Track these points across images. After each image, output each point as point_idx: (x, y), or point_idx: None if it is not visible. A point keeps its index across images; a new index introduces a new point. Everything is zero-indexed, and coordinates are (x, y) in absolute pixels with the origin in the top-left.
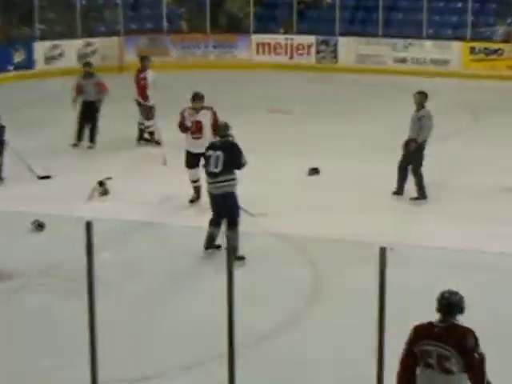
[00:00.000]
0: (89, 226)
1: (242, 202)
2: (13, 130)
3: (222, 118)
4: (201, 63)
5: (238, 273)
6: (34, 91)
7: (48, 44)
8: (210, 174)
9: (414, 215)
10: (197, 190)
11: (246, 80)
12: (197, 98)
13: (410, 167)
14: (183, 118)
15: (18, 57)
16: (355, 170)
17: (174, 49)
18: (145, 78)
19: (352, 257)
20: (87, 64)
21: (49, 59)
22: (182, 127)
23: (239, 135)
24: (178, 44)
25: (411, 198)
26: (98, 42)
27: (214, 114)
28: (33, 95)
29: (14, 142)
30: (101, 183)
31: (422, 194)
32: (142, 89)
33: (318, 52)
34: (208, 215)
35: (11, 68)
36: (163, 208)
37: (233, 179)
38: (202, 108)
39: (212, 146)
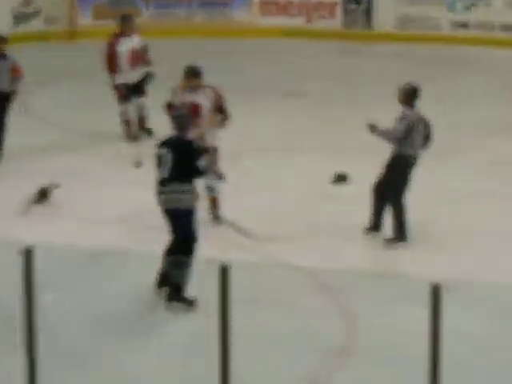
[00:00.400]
0: (28, 254)
1: (240, 218)
2: None
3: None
4: (182, 28)
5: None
6: None
7: None
8: (158, 181)
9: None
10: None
11: (246, 51)
12: (192, 74)
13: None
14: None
15: None
16: None
17: (146, 8)
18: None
19: (392, 296)
20: (2, 40)
21: None
22: (171, 109)
23: (240, 129)
24: (150, 2)
25: (385, 239)
26: None
27: (217, 95)
28: None
29: None
30: (43, 192)
31: (399, 233)
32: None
33: (345, 13)
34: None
35: None
36: (129, 228)
37: (185, 191)
38: (200, 87)
39: (164, 143)
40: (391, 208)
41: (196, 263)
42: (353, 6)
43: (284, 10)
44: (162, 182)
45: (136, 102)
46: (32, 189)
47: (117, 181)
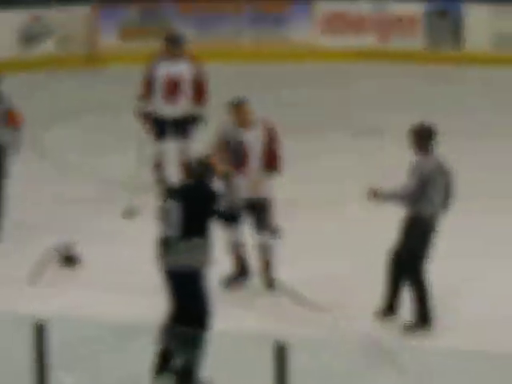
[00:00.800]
0: (40, 329)
1: (298, 284)
2: None
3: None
4: (227, 50)
5: None
6: None
7: None
8: (161, 241)
9: None
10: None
11: (306, 78)
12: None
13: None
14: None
15: None
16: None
17: (182, 25)
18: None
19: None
20: None
21: None
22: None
23: (298, 176)
24: (187, 17)
25: (404, 325)
26: (53, 14)
27: (270, 135)
28: None
29: None
30: (66, 254)
31: (422, 317)
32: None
33: (428, 30)
34: None
35: None
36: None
37: (196, 247)
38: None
39: (173, 193)
40: (410, 284)
41: (211, 339)
42: (438, 22)
43: (352, 26)
44: (167, 241)
45: (177, 145)
46: (42, 249)
47: (143, 238)
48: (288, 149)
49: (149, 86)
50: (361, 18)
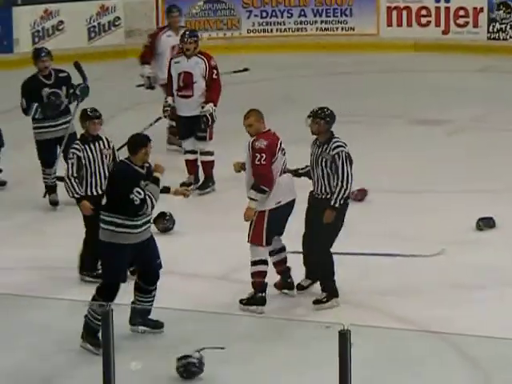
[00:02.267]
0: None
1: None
2: None
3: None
4: (292, 42)
5: None
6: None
7: (36, 9)
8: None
9: None
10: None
11: (369, 69)
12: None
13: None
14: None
15: None
16: None
17: (246, 17)
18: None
19: None
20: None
21: (38, 37)
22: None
23: (362, 166)
24: (252, 8)
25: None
26: (119, 3)
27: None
28: (4, 101)
29: None
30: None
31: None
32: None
33: (491, 22)
34: None
35: None
36: None
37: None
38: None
39: None
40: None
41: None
42: (502, 14)
43: (416, 18)
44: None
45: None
46: None
47: None
48: (350, 137)
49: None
50: (424, 8)
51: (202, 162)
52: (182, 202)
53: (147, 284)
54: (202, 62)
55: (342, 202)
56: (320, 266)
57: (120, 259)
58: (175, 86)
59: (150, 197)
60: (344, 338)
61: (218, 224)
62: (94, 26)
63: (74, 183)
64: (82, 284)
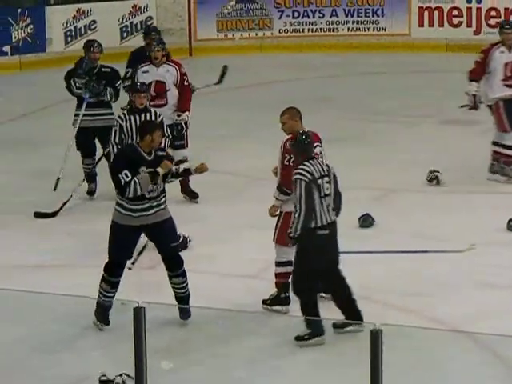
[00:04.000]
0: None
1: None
2: None
3: (366, 138)
4: (324, 41)
5: None
6: (42, 92)
7: (69, 9)
8: None
9: None
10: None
11: (400, 70)
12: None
13: None
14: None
15: (19, 32)
16: None
17: (278, 17)
18: None
19: None
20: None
21: (71, 36)
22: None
23: (395, 163)
24: (284, 8)
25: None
26: (151, 2)
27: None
28: (35, 102)
29: None
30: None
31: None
32: None
33: None
34: None
35: (6, 50)
36: None
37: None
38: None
39: None
40: None
41: None
42: None
43: (448, 18)
44: None
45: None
46: None
47: None
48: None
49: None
50: (455, 9)
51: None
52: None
53: (169, 270)
54: (174, 70)
55: (298, 232)
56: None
57: (122, 239)
58: None
59: (135, 183)
60: (375, 337)
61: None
62: (126, 26)
63: (113, 149)
64: None
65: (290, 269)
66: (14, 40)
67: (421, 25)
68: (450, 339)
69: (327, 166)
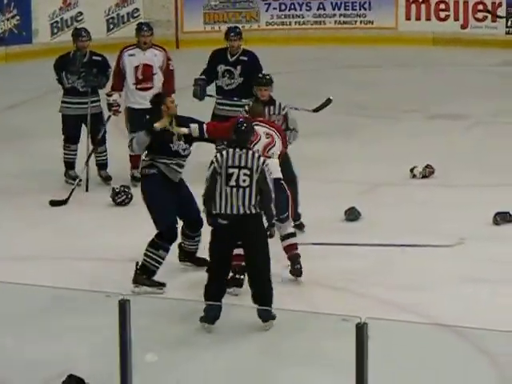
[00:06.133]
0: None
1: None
2: None
3: (352, 132)
4: (310, 34)
5: None
6: (26, 83)
7: (55, 0)
8: None
9: None
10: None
11: (387, 63)
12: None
13: None
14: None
15: (5, 23)
16: None
17: (264, 10)
18: None
19: None
20: None
21: (57, 28)
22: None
23: (378, 156)
24: (268, 1)
25: None
26: None
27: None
28: (21, 93)
29: None
30: None
31: None
32: None
33: (510, 17)
34: None
35: None
36: None
37: None
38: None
39: None
40: None
41: None
42: None
43: (435, 11)
44: None
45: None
46: None
47: None
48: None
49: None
50: (442, 2)
51: None
52: None
53: (190, 230)
54: (161, 55)
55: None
56: None
57: (164, 202)
58: (132, 80)
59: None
60: (361, 331)
61: None
62: (113, 18)
63: None
64: None
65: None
66: None
67: (408, 18)
68: (436, 333)
69: (257, 160)
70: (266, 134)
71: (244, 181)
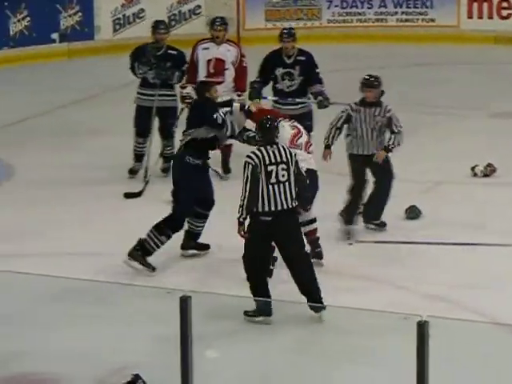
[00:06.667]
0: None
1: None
2: None
3: (413, 130)
4: (371, 32)
5: None
6: (90, 80)
7: None
8: None
9: None
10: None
11: (449, 61)
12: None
13: None
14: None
15: (67, 20)
16: None
17: (326, 7)
18: None
19: None
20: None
21: (119, 24)
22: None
23: (435, 154)
24: None
25: None
26: None
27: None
28: (83, 90)
29: None
30: None
31: None
32: None
33: None
34: None
35: (55, 37)
36: None
37: None
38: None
39: None
40: None
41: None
42: None
43: (496, 10)
44: None
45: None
46: None
47: None
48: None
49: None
50: (505, 2)
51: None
52: None
53: (203, 209)
54: (234, 50)
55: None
56: None
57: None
58: (204, 73)
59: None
60: (422, 329)
61: None
62: (175, 14)
63: (332, 133)
64: None
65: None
66: (62, 27)
67: (470, 16)
68: (497, 332)
69: (290, 153)
70: (292, 126)
71: (283, 175)
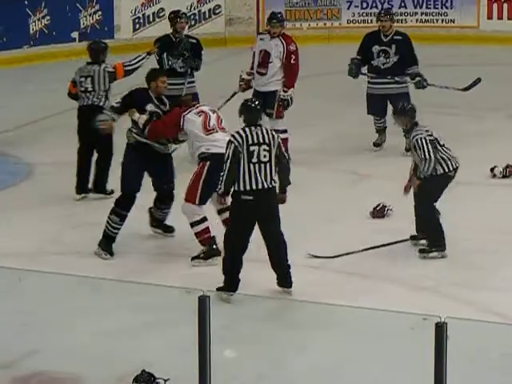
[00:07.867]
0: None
1: None
2: None
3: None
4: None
5: None
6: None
7: None
8: None
9: None
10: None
11: (469, 62)
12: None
13: None
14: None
15: (87, 18)
16: None
17: (346, 8)
18: None
19: None
20: None
21: (139, 24)
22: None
23: (461, 155)
24: None
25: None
26: None
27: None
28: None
29: None
30: None
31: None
32: None
33: None
34: None
35: (75, 36)
36: None
37: None
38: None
39: None
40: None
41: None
42: None
43: None
44: None
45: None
46: None
47: None
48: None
49: None
50: None
51: None
52: None
53: (161, 202)
54: (281, 46)
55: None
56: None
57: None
58: (256, 62)
59: None
60: (441, 330)
61: None
62: (195, 14)
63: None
64: None
65: (207, 223)
66: (82, 26)
67: (490, 17)
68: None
69: (272, 135)
70: (197, 113)
71: (265, 156)
